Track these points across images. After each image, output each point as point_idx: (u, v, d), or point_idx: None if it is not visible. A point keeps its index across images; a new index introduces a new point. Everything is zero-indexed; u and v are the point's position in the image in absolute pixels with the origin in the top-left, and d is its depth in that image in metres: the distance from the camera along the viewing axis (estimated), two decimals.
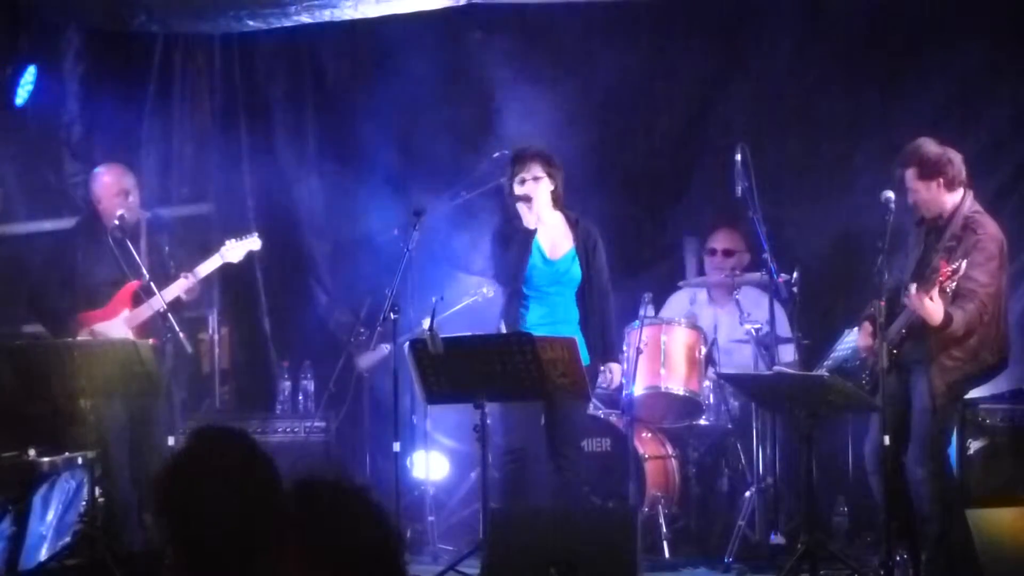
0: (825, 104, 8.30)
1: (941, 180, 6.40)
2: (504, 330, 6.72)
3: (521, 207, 6.73)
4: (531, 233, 6.73)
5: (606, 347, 6.88)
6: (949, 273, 6.01)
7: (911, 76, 8.07)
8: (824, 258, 8.14)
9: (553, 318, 6.73)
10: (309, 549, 2.73)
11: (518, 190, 6.76)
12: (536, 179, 6.73)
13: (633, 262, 8.44)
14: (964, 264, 6.04)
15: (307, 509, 2.77)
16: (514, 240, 6.74)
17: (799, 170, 8.23)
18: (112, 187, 7.42)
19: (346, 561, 2.73)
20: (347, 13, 8.31)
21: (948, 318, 6.15)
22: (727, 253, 8.11)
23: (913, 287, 6.11)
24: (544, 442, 6.67)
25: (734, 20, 8.58)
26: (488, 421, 6.37)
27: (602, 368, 6.87)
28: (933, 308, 6.08)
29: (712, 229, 8.22)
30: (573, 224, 6.87)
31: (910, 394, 6.45)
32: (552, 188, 6.80)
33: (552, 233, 6.85)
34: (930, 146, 6.45)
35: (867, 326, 6.49)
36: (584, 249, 6.83)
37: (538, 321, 6.71)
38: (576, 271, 6.81)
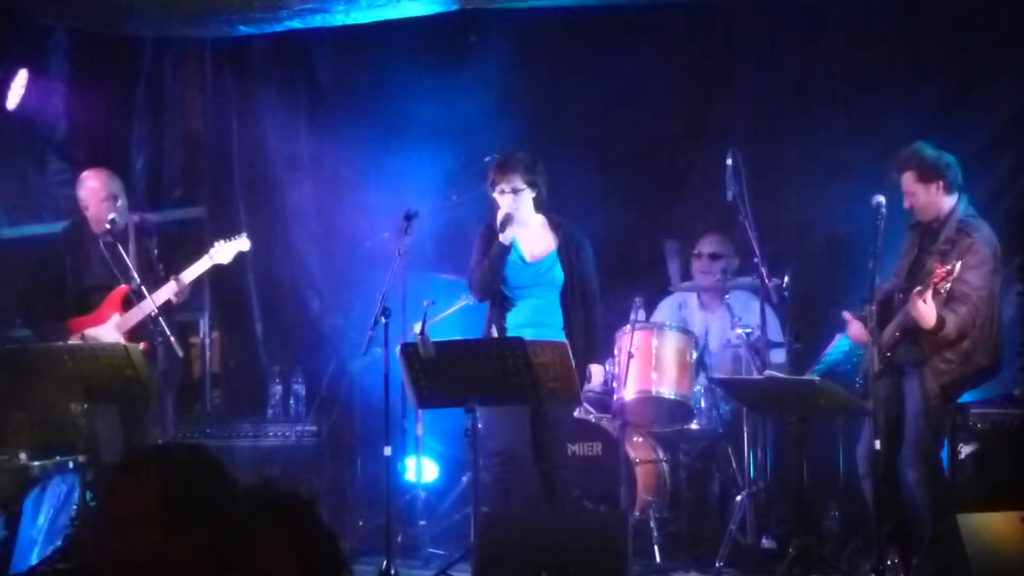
0: (818, 108, 8.30)
1: (941, 184, 6.43)
2: (494, 333, 6.71)
3: (501, 215, 6.69)
4: (507, 249, 6.68)
5: (589, 349, 6.81)
6: (943, 275, 6.02)
7: (906, 79, 8.07)
8: (816, 262, 8.14)
9: (536, 320, 6.70)
10: (294, 548, 2.80)
11: (498, 201, 6.72)
12: (516, 191, 6.68)
13: (626, 266, 8.44)
14: (958, 265, 6.04)
15: (292, 512, 2.87)
16: (491, 251, 6.69)
17: (792, 173, 8.22)
18: (100, 192, 7.39)
19: (315, 561, 2.86)
20: (339, 19, 8.31)
21: (941, 321, 6.16)
22: (713, 257, 8.08)
23: (916, 290, 6.12)
24: (530, 445, 6.66)
25: (730, 23, 8.59)
26: (479, 425, 6.37)
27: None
28: (926, 310, 6.09)
29: (700, 233, 8.21)
30: (555, 227, 6.83)
31: (903, 397, 6.47)
32: (534, 196, 6.76)
33: (532, 235, 6.80)
34: (928, 150, 6.49)
35: (856, 321, 6.49)
36: (567, 251, 6.78)
37: (522, 323, 6.69)
38: (558, 273, 6.77)
